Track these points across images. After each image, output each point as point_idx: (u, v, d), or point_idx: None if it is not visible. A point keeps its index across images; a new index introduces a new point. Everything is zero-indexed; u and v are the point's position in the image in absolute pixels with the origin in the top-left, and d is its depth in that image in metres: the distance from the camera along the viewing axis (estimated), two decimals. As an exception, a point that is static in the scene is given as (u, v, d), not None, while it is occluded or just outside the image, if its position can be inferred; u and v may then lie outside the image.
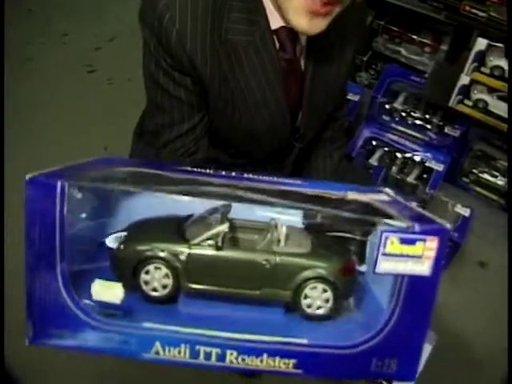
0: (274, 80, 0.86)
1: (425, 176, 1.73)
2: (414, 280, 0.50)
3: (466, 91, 1.58)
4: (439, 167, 1.70)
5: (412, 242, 0.49)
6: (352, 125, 1.85)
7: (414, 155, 1.76)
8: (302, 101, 0.92)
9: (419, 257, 0.49)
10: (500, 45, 1.48)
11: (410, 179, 1.71)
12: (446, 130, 1.72)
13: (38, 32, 2.41)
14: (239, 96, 0.86)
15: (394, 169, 1.74)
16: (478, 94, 1.58)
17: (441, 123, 1.75)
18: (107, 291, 0.51)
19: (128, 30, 2.38)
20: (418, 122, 1.79)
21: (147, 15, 0.78)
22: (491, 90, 1.56)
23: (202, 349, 0.50)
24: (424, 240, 0.49)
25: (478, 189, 1.78)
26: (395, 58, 2.04)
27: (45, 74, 2.19)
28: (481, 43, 1.49)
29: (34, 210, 0.47)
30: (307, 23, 0.71)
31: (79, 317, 0.49)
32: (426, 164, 1.73)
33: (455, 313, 1.47)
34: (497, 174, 1.75)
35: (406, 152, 1.77)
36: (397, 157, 1.78)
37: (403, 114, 1.81)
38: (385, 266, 0.49)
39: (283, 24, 0.79)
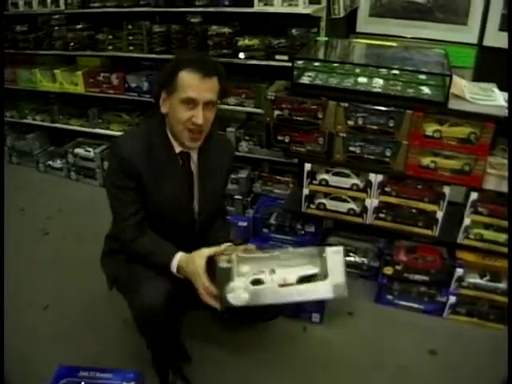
0: (179, 182, 1.64)
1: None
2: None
3: (310, 199, 2.32)
4: (307, 255, 2.34)
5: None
6: (244, 241, 2.49)
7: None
8: (197, 193, 1.68)
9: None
10: (320, 165, 2.27)
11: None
12: (306, 228, 2.42)
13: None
14: (160, 191, 1.60)
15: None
16: (317, 199, 2.32)
17: (302, 226, 2.44)
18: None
19: (71, 206, 3.08)
20: (287, 228, 2.47)
21: (115, 152, 1.56)
22: (325, 195, 2.30)
23: None
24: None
25: (341, 267, 2.42)
26: (270, 196, 2.84)
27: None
28: (307, 166, 2.28)
29: None
30: (192, 143, 1.57)
31: None
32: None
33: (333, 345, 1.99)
34: (352, 254, 2.42)
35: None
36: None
37: (277, 226, 2.50)
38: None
39: (181, 149, 1.60)
